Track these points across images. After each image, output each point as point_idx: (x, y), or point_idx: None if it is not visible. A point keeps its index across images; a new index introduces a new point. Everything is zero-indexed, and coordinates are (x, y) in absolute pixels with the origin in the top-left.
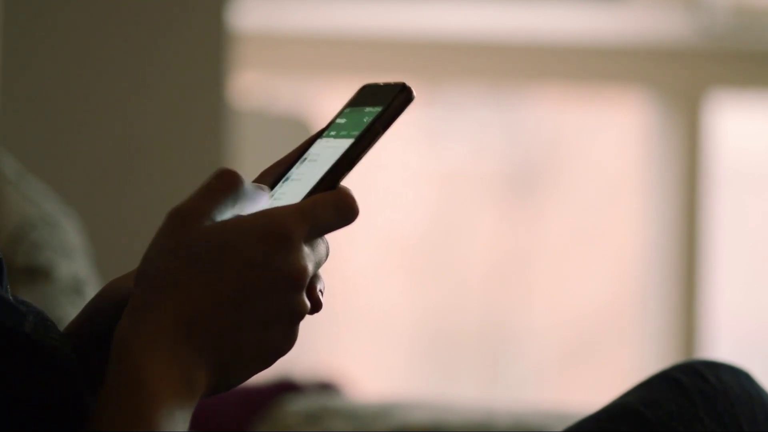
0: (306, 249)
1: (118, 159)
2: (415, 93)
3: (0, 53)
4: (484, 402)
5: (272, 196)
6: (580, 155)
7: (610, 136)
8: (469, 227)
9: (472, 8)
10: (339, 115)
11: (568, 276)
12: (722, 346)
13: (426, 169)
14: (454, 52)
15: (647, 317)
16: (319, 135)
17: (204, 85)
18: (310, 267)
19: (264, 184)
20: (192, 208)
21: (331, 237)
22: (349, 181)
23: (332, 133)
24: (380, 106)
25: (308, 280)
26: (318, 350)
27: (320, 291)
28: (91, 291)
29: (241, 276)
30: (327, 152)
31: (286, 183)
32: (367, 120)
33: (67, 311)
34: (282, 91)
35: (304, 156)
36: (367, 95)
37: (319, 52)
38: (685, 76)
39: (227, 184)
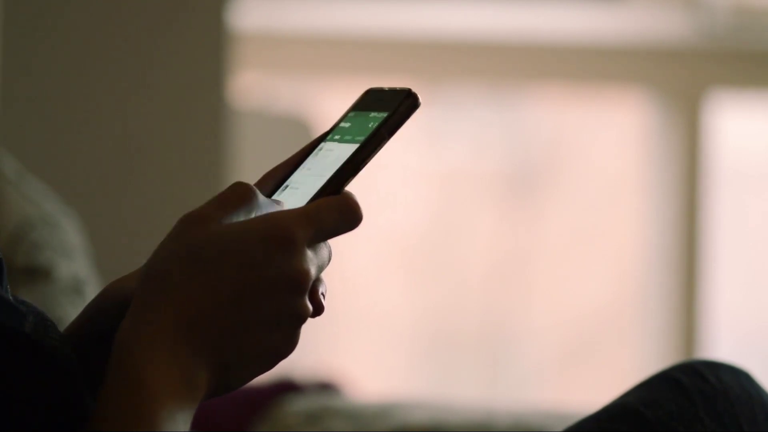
0: (309, 253)
1: (118, 159)
2: (420, 99)
3: (0, 53)
4: (484, 402)
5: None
6: (580, 155)
7: (610, 136)
8: (469, 227)
9: (472, 8)
10: (343, 118)
11: (568, 276)
12: (722, 346)
13: (426, 169)
14: (454, 52)
15: (647, 317)
16: (323, 138)
17: (204, 85)
18: (313, 270)
19: (266, 187)
20: (203, 215)
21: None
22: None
23: (336, 137)
24: (386, 111)
25: (311, 283)
26: (318, 350)
27: (322, 294)
28: (91, 291)
29: (242, 276)
30: (330, 157)
31: (288, 187)
32: (372, 125)
33: (67, 311)
34: (282, 91)
35: (307, 160)
36: (371, 100)
37: (319, 52)
38: (685, 76)
39: (241, 197)
